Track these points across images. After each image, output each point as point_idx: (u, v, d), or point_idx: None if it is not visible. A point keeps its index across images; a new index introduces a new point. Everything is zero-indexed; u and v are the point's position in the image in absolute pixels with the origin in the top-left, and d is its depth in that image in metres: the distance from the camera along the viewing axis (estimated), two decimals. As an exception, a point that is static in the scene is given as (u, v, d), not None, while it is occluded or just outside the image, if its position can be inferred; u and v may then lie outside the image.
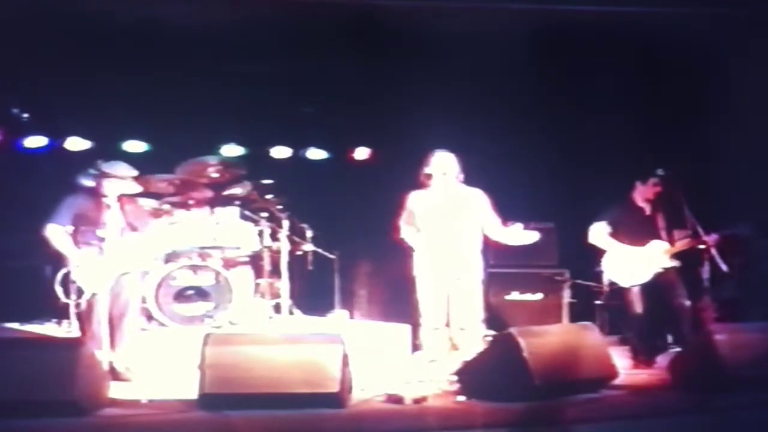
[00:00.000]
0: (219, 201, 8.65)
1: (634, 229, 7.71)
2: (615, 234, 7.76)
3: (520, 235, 7.08)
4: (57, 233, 6.94)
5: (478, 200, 7.12)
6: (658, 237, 7.68)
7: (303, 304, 8.90)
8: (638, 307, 7.62)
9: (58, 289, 6.80)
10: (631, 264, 7.65)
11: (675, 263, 7.64)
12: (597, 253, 7.87)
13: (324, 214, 9.24)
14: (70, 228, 6.96)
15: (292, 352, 6.05)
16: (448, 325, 7.05)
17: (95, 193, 7.06)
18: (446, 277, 6.99)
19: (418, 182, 7.12)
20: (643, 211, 7.82)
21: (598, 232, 7.79)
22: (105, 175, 7.04)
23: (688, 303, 7.55)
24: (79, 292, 6.78)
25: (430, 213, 7.07)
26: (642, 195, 7.80)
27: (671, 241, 7.66)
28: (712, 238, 7.47)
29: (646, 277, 7.60)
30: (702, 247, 7.54)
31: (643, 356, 7.55)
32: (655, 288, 7.60)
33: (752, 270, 8.60)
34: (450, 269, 6.98)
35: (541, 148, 9.09)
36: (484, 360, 6.52)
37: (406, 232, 7.14)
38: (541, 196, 9.04)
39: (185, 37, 7.91)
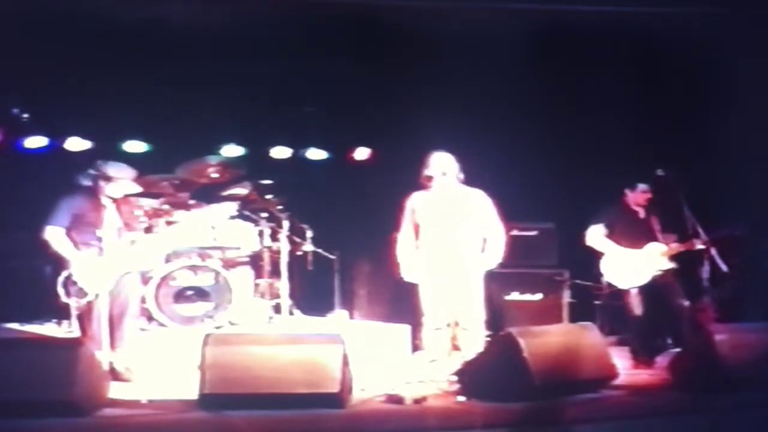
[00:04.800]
0: (216, 200, 8.66)
1: (630, 232, 7.75)
2: (611, 236, 7.79)
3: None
4: (56, 235, 6.94)
5: (480, 201, 7.12)
6: (654, 239, 7.71)
7: (303, 304, 8.90)
8: (637, 308, 7.65)
9: (61, 291, 6.79)
10: (630, 266, 7.67)
11: (672, 265, 7.66)
12: (597, 254, 7.87)
13: (324, 214, 9.24)
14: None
15: (292, 352, 6.05)
16: (449, 325, 7.06)
17: (92, 193, 7.05)
18: (446, 277, 6.99)
19: (418, 183, 7.13)
20: (637, 214, 7.86)
21: (595, 235, 7.82)
22: (103, 176, 7.03)
23: (686, 303, 7.57)
24: (81, 294, 6.78)
25: (430, 213, 7.07)
26: (633, 200, 7.86)
27: (667, 243, 7.67)
28: (705, 240, 7.48)
29: (645, 279, 7.62)
30: (702, 247, 7.54)
31: (643, 356, 7.56)
32: (654, 289, 7.62)
33: (752, 270, 8.60)
34: (450, 269, 6.98)
35: (540, 148, 9.08)
36: (484, 360, 6.52)
37: (407, 267, 7.13)
38: (541, 196, 9.04)
39: (185, 37, 7.90)
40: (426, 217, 7.09)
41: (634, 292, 7.66)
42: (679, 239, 7.65)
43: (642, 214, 7.86)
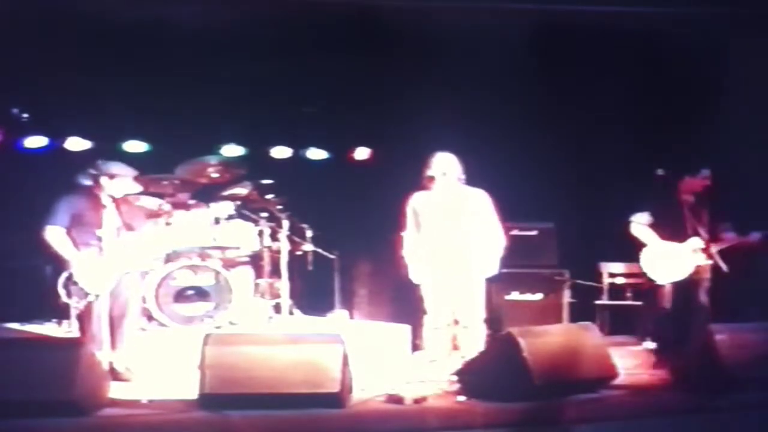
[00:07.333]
0: (216, 200, 8.66)
1: (675, 223, 7.48)
2: (654, 225, 7.53)
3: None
4: (56, 235, 6.93)
5: (480, 201, 7.12)
6: (697, 233, 7.46)
7: (303, 304, 8.90)
8: (665, 303, 7.44)
9: (61, 292, 6.79)
10: (669, 260, 7.42)
11: (710, 262, 7.46)
12: (597, 254, 7.84)
13: (324, 214, 9.24)
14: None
15: (292, 352, 6.06)
16: (449, 325, 7.05)
17: (92, 193, 7.04)
18: (448, 277, 6.99)
19: (419, 183, 7.13)
20: (686, 204, 7.55)
21: (640, 225, 7.55)
22: (104, 175, 7.02)
23: (706, 302, 7.42)
24: (82, 294, 6.77)
25: (431, 213, 7.07)
26: (690, 187, 7.54)
27: (713, 238, 7.48)
28: (755, 237, 7.39)
29: (682, 275, 7.40)
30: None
31: (663, 355, 7.41)
32: (684, 285, 7.45)
33: (752, 270, 8.58)
34: (452, 269, 6.99)
35: (541, 148, 9.09)
36: (484, 360, 6.53)
37: (414, 268, 7.12)
38: (541, 196, 9.04)
39: (185, 37, 7.90)
40: (427, 217, 7.09)
41: (667, 287, 7.46)
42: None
43: (691, 204, 7.56)
